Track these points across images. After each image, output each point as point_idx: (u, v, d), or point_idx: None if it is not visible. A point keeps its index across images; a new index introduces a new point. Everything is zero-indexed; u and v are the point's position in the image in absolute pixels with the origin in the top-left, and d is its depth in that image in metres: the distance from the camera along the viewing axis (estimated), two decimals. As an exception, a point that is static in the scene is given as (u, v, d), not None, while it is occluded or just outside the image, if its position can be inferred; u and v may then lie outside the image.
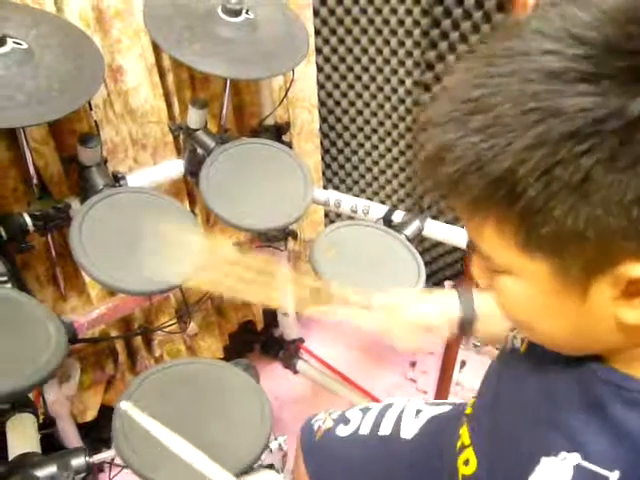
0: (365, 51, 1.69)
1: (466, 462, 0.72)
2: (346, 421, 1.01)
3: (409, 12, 1.54)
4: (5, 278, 1.11)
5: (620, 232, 0.41)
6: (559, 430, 0.54)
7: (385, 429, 0.96)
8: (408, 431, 0.94)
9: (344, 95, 1.81)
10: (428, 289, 0.90)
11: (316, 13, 1.65)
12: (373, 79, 1.73)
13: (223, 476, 0.81)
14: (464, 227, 0.52)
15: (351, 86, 1.78)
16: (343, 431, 0.99)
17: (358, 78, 1.75)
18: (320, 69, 1.76)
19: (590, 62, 0.40)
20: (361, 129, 1.85)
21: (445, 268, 1.94)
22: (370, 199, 1.88)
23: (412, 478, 0.91)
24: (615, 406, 0.50)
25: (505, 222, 0.45)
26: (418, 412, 0.97)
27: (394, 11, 1.56)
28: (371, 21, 1.62)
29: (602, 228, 0.41)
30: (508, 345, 0.70)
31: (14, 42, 1.02)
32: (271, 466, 1.12)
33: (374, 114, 1.80)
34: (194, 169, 1.41)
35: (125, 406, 0.87)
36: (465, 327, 0.84)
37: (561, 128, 0.40)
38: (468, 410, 0.81)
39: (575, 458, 0.51)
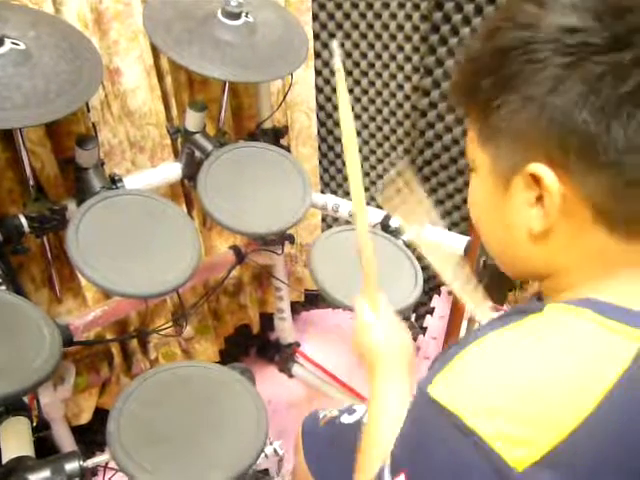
0: (364, 56, 1.69)
1: None
2: (351, 411, 1.07)
3: (408, 17, 1.54)
4: (0, 280, 1.10)
5: (543, 135, 0.48)
6: None
7: None
8: None
9: (342, 99, 1.81)
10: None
11: (315, 17, 1.65)
12: (372, 84, 1.73)
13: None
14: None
15: (350, 90, 1.78)
16: (347, 419, 1.05)
17: (357, 82, 1.75)
18: (318, 73, 1.76)
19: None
20: (359, 133, 1.85)
21: (442, 273, 1.93)
22: (367, 204, 1.87)
23: None
24: None
25: (473, 118, 0.55)
26: None
27: (393, 16, 1.57)
28: (370, 26, 1.62)
29: (531, 130, 0.48)
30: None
31: (12, 43, 1.01)
32: (266, 471, 1.11)
33: (372, 119, 1.80)
34: (192, 172, 1.40)
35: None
36: None
37: (521, 35, 0.48)
38: None
39: None
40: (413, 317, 2.07)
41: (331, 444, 1.03)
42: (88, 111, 1.27)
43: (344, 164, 1.95)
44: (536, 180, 0.49)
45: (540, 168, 0.48)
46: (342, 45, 1.69)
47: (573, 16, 0.46)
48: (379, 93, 1.73)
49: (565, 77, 0.45)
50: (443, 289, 1.95)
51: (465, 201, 1.72)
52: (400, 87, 1.67)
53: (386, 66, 1.67)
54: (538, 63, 0.46)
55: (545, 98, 0.46)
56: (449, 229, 1.51)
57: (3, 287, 1.10)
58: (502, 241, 0.58)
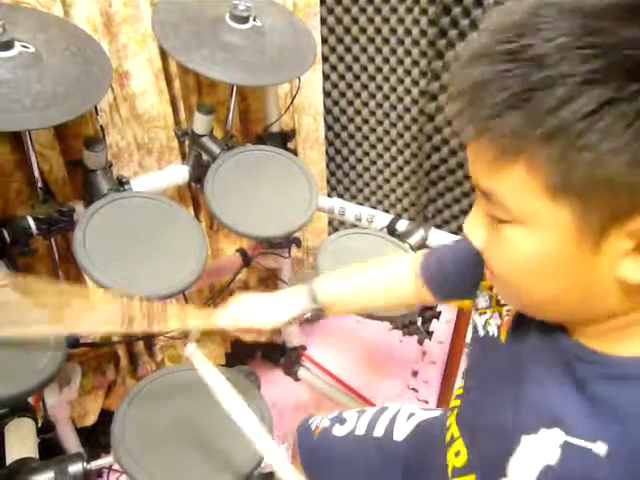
0: (372, 60, 1.69)
1: (457, 454, 0.74)
2: (342, 421, 1.05)
3: (416, 22, 1.54)
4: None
5: None
6: (537, 408, 0.55)
7: (379, 431, 1.00)
8: (400, 433, 0.97)
9: (350, 103, 1.81)
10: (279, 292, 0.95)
11: (323, 21, 1.65)
12: (379, 88, 1.73)
13: (266, 441, 0.84)
14: (476, 171, 0.50)
15: (357, 94, 1.78)
16: (339, 431, 1.03)
17: (364, 86, 1.75)
18: (326, 77, 1.76)
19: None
20: (366, 137, 1.85)
21: (448, 278, 1.93)
22: (374, 207, 1.88)
23: (404, 478, 0.94)
24: (596, 382, 0.51)
25: (540, 161, 0.43)
26: (410, 415, 1.01)
27: (401, 20, 1.57)
28: (378, 30, 1.62)
29: (638, 174, 0.40)
30: (480, 332, 0.70)
31: (22, 46, 1.02)
32: (271, 474, 1.11)
33: (380, 123, 1.79)
34: (199, 175, 1.41)
35: (191, 349, 0.94)
36: (314, 318, 0.94)
37: (618, 62, 0.39)
38: (453, 403, 0.82)
39: (557, 435, 0.52)
40: (419, 321, 2.07)
41: (326, 458, 1.02)
42: (97, 114, 1.28)
43: (347, 174, 1.95)
44: None
45: None
46: (350, 49, 1.69)
47: None
48: (386, 97, 1.73)
49: None
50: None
51: (472, 206, 1.72)
52: (407, 91, 1.67)
53: (393, 70, 1.66)
54: None
55: None
56: (456, 233, 1.50)
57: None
58: (565, 293, 0.50)
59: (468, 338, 1.49)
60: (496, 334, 0.67)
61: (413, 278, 0.86)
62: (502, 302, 0.67)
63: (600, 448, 0.49)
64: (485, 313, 0.70)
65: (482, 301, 0.72)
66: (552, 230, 0.46)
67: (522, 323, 0.62)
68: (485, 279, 0.73)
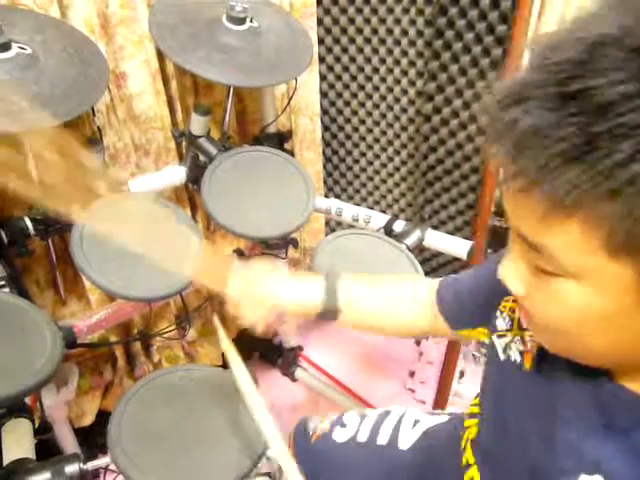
0: (368, 60, 1.69)
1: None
2: (343, 425, 1.00)
3: (413, 22, 1.54)
4: (4, 282, 1.11)
5: None
6: (576, 452, 0.53)
7: (383, 438, 0.95)
8: (405, 442, 0.94)
9: (347, 104, 1.82)
10: (300, 273, 0.87)
11: (320, 22, 1.65)
12: (376, 88, 1.73)
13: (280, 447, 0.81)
14: (521, 222, 0.46)
15: (354, 95, 1.79)
16: (340, 436, 0.98)
17: (361, 87, 1.76)
18: (323, 78, 1.77)
19: None
20: (363, 138, 1.85)
21: (445, 278, 1.93)
22: (371, 208, 1.88)
23: None
24: (637, 428, 0.49)
25: (601, 217, 0.40)
26: (416, 422, 0.96)
27: (398, 21, 1.57)
28: (375, 31, 1.63)
29: None
30: (500, 356, 0.66)
31: (19, 47, 1.02)
32: (268, 474, 1.11)
33: (376, 123, 1.80)
34: (196, 176, 1.41)
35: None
36: (325, 316, 0.82)
37: None
38: (467, 422, 0.81)
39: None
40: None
41: (326, 464, 0.98)
42: (94, 115, 1.28)
43: (343, 175, 1.95)
44: None
45: None
46: (346, 50, 1.70)
47: None
48: (383, 98, 1.73)
49: None
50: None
51: (470, 206, 1.73)
52: (404, 92, 1.67)
53: (390, 71, 1.67)
54: None
55: None
56: (452, 234, 1.51)
57: (7, 289, 1.10)
58: (617, 347, 0.48)
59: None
60: (519, 360, 0.63)
61: (429, 306, 0.82)
62: (524, 326, 0.63)
63: None
64: (505, 336, 0.66)
65: (502, 323, 0.68)
66: (611, 287, 0.43)
67: (551, 355, 0.57)
68: (502, 302, 0.69)
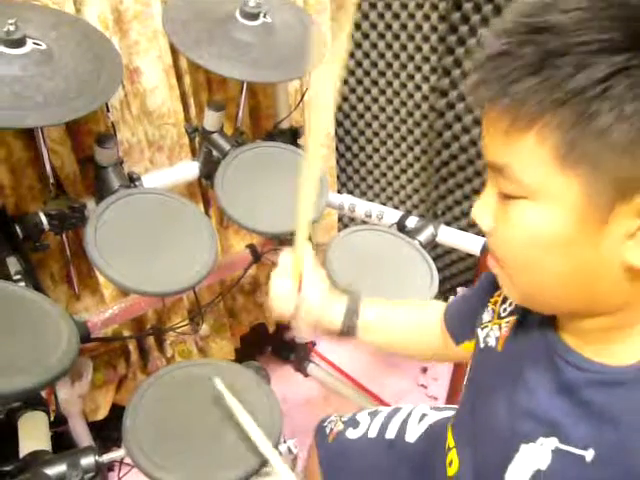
0: (382, 56, 1.69)
1: (450, 463, 0.74)
2: (355, 424, 1.05)
3: (427, 18, 1.54)
4: (20, 276, 1.12)
5: None
6: (535, 417, 0.56)
7: (391, 433, 1.00)
8: (412, 435, 0.98)
9: (360, 99, 1.81)
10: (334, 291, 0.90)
11: (333, 18, 1.65)
12: (390, 84, 1.73)
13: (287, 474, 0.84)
14: (490, 145, 0.50)
15: (367, 90, 1.78)
16: (353, 434, 1.03)
17: (375, 83, 1.75)
18: (336, 73, 1.76)
19: None
20: (377, 134, 1.85)
21: (458, 275, 1.93)
22: (384, 204, 1.87)
23: (411, 479, 0.94)
24: (588, 389, 0.52)
25: (551, 129, 0.44)
26: (422, 417, 1.01)
27: (412, 16, 1.56)
28: (388, 26, 1.62)
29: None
30: (481, 344, 0.70)
31: (34, 43, 1.03)
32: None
33: (390, 119, 1.79)
34: (209, 171, 1.41)
35: (217, 383, 0.95)
36: (344, 334, 0.86)
37: (632, 31, 0.41)
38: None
39: (552, 442, 0.53)
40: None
41: (343, 461, 1.02)
42: (108, 110, 1.28)
43: (357, 171, 1.95)
44: None
45: None
46: (360, 45, 1.69)
47: None
48: (397, 93, 1.72)
49: None
50: (459, 290, 1.94)
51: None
52: (418, 88, 1.67)
53: (404, 66, 1.66)
54: None
55: None
56: (465, 230, 1.50)
57: (23, 283, 1.11)
58: (570, 277, 0.50)
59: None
60: (494, 345, 0.68)
61: (438, 325, 0.86)
62: (503, 315, 0.68)
63: (589, 455, 0.50)
64: (487, 327, 0.71)
65: (486, 316, 0.72)
66: (561, 203, 0.46)
67: (519, 333, 0.64)
68: (489, 298, 0.73)
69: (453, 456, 0.74)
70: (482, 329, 0.71)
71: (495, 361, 0.67)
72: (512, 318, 0.66)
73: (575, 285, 0.50)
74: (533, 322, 0.62)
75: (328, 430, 1.07)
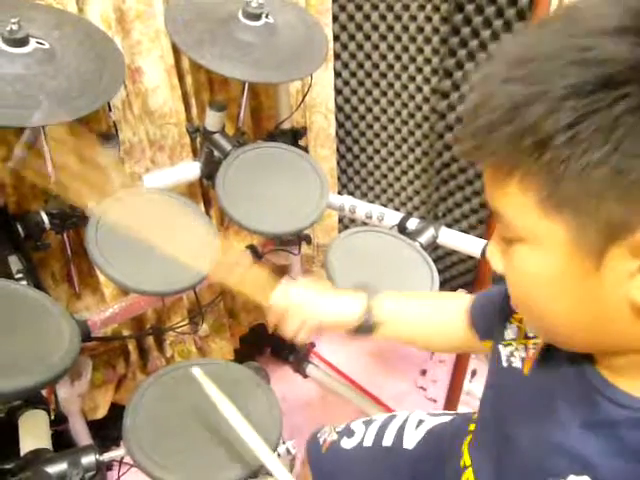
0: (383, 57, 1.69)
1: None
2: (350, 434, 1.03)
3: (429, 19, 1.54)
4: (21, 275, 1.12)
5: None
6: (566, 453, 0.53)
7: (388, 440, 0.98)
8: (410, 441, 0.96)
9: (361, 101, 1.81)
10: (340, 290, 0.90)
11: (335, 18, 1.65)
12: (391, 85, 1.73)
13: (271, 459, 0.83)
14: (487, 191, 0.51)
15: (369, 92, 1.78)
16: (347, 443, 1.01)
17: (376, 84, 1.75)
18: (338, 74, 1.76)
19: (627, 18, 0.41)
20: (378, 135, 1.85)
21: (458, 276, 1.93)
22: (385, 205, 1.88)
23: None
24: (627, 427, 0.49)
25: (529, 177, 0.44)
26: (420, 422, 0.99)
27: (413, 18, 1.56)
28: (390, 27, 1.62)
29: (628, 184, 0.40)
30: (503, 363, 0.68)
31: (37, 42, 1.03)
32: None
33: (391, 120, 1.79)
34: (210, 171, 1.41)
35: (197, 372, 0.93)
36: (360, 331, 0.85)
37: (594, 75, 0.40)
38: (472, 426, 0.81)
39: None
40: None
41: (337, 471, 1.00)
42: (110, 110, 1.28)
43: (357, 172, 1.95)
44: None
45: None
46: (361, 47, 1.69)
47: None
48: (398, 95, 1.73)
49: None
50: (460, 292, 1.94)
51: (484, 204, 1.72)
52: (419, 89, 1.67)
53: (405, 68, 1.66)
54: None
55: None
56: (466, 232, 1.50)
57: (24, 282, 1.11)
58: (581, 319, 0.49)
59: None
60: (520, 367, 0.64)
61: (462, 318, 0.83)
62: (530, 335, 0.65)
63: None
64: (510, 345, 0.68)
65: (510, 332, 0.69)
66: (552, 248, 0.46)
67: (548, 359, 0.60)
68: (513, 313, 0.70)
69: (469, 475, 0.72)
70: (505, 346, 0.68)
71: (520, 385, 0.63)
72: (541, 341, 0.62)
73: (588, 326, 0.49)
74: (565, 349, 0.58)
75: (322, 441, 1.05)
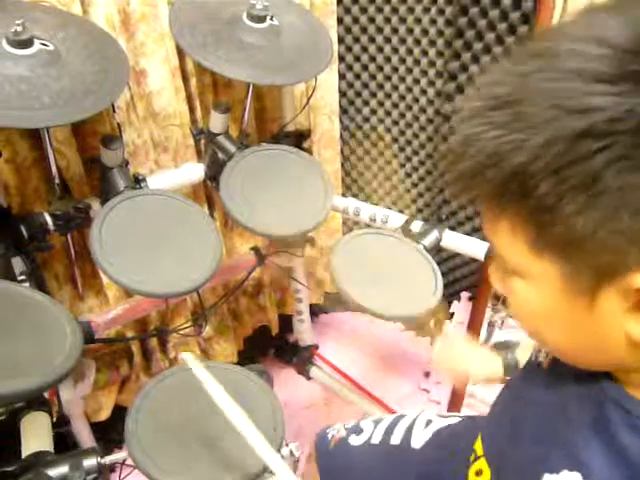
0: (388, 60, 1.69)
1: (478, 472, 0.72)
2: (359, 431, 1.04)
3: (433, 22, 1.54)
4: (24, 277, 1.12)
5: (630, 238, 0.40)
6: (564, 447, 0.54)
7: (396, 438, 0.99)
8: (418, 441, 0.97)
9: (365, 103, 1.81)
10: (489, 347, 1.04)
11: (340, 21, 1.65)
12: (395, 88, 1.73)
13: (265, 447, 0.84)
14: (484, 225, 0.52)
15: (373, 94, 1.78)
16: (356, 440, 1.02)
17: (380, 86, 1.75)
18: (342, 76, 1.76)
19: (611, 63, 0.40)
20: (382, 138, 1.85)
21: (462, 279, 1.93)
22: (389, 208, 1.87)
23: None
24: (621, 428, 0.49)
25: (517, 220, 0.45)
26: (428, 422, 1.00)
27: (418, 20, 1.56)
28: (395, 30, 1.62)
29: (611, 232, 0.40)
30: (532, 359, 0.69)
31: (41, 44, 1.03)
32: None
33: (395, 123, 1.79)
34: (214, 173, 1.41)
35: (187, 356, 0.94)
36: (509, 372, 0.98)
37: (576, 125, 0.39)
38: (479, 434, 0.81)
39: (575, 477, 0.51)
40: (432, 322, 2.06)
41: (343, 467, 1.02)
42: (114, 111, 1.28)
43: (361, 174, 1.95)
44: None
45: None
46: (366, 49, 1.69)
47: None
48: (402, 97, 1.72)
49: None
50: (463, 295, 1.94)
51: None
52: (423, 92, 1.67)
53: (410, 70, 1.66)
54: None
55: None
56: (470, 234, 1.50)
57: (27, 284, 1.11)
58: (580, 346, 0.51)
59: (481, 340, 1.53)
60: (543, 361, 0.66)
61: None
62: None
63: None
64: None
65: None
66: (544, 285, 0.47)
67: None
68: None
69: (482, 465, 0.72)
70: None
71: (539, 379, 0.65)
72: None
73: (589, 353, 0.51)
74: None
75: (330, 436, 1.06)
